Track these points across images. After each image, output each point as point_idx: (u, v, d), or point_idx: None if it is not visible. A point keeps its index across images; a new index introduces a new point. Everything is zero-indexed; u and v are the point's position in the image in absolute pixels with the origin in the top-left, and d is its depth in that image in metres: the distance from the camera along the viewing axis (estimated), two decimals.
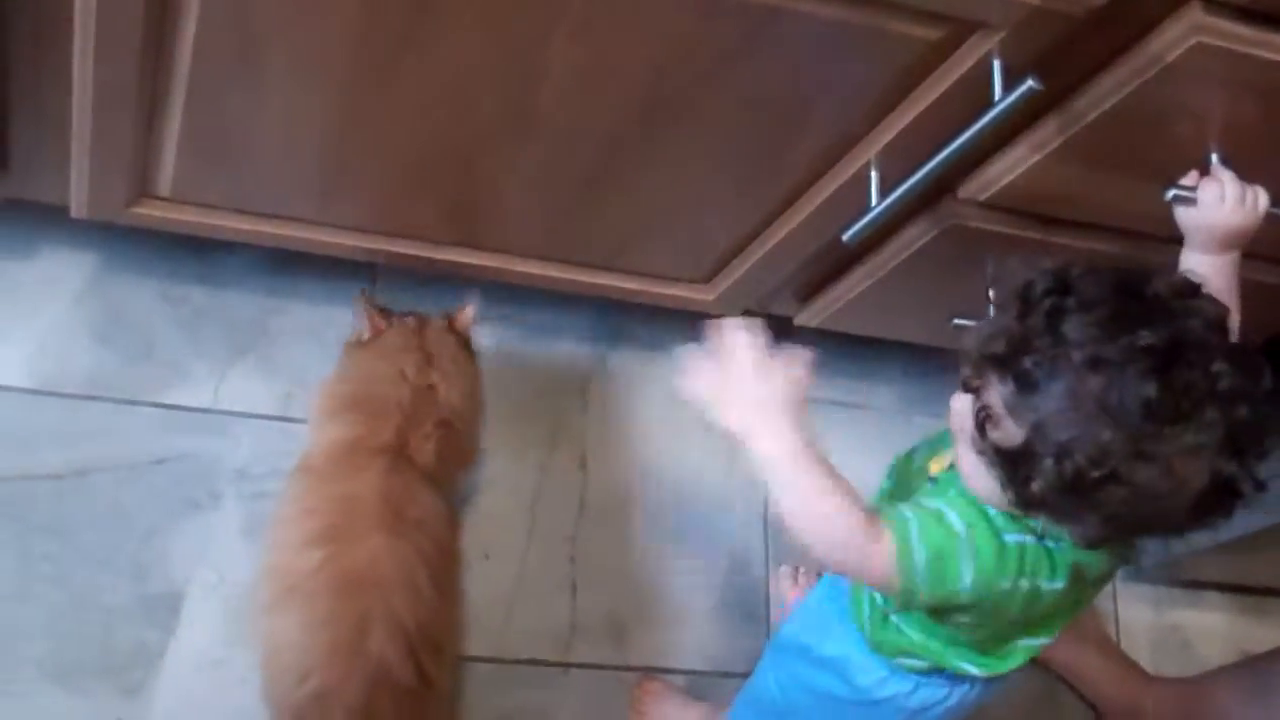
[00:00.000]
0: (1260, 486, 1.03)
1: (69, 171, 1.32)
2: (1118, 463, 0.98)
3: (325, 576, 1.28)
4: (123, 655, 1.49)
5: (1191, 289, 1.03)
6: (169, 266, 1.62)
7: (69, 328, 1.57)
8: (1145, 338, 0.98)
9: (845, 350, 1.82)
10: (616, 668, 1.67)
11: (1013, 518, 1.10)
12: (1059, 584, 1.12)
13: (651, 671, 1.68)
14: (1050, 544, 1.10)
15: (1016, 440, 1.02)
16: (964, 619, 1.18)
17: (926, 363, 1.86)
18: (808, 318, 1.64)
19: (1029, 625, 1.22)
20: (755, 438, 1.12)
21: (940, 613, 1.17)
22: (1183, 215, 1.18)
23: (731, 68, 1.14)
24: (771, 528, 1.78)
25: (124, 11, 1.05)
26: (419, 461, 1.37)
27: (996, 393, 1.03)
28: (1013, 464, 1.03)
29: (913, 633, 1.25)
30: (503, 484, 1.69)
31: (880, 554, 1.10)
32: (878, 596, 1.24)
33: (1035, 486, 1.01)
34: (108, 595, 1.50)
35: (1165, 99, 1.15)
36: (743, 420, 1.12)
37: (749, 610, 1.75)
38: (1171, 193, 1.18)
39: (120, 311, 1.60)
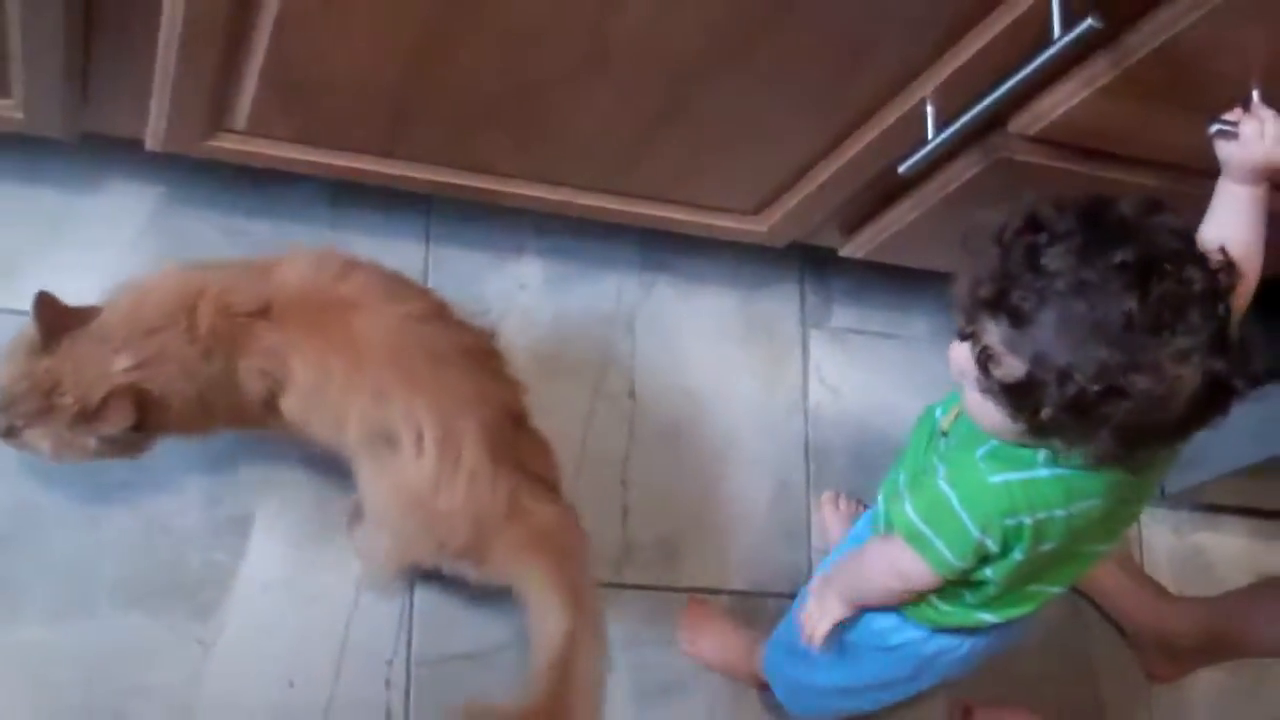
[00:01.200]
0: (1254, 380, 1.09)
1: (148, 105, 1.36)
2: (1115, 376, 1.05)
3: None
4: (195, 577, 1.55)
5: (1154, 205, 1.09)
6: (231, 200, 1.66)
7: (133, 260, 1.60)
8: (1118, 256, 1.05)
9: (883, 283, 1.90)
10: (667, 589, 1.74)
11: (1014, 454, 1.18)
12: (1060, 511, 1.19)
13: (699, 592, 1.75)
14: (1043, 472, 1.18)
15: (1019, 373, 1.08)
16: (989, 573, 1.27)
17: None
18: (853, 249, 1.69)
19: (1043, 572, 1.30)
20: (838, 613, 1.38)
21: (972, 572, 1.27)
22: (1222, 148, 1.23)
23: (798, 4, 1.18)
24: (812, 454, 1.84)
25: None
26: None
27: (993, 333, 1.09)
28: (1019, 396, 1.09)
29: (941, 604, 1.35)
30: (555, 412, 1.73)
31: (897, 545, 1.26)
32: None
33: (1044, 413, 1.08)
34: (179, 521, 1.56)
35: (1213, 37, 1.19)
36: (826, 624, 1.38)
37: (791, 533, 1.81)
38: (1215, 127, 1.22)
39: (183, 244, 1.63)
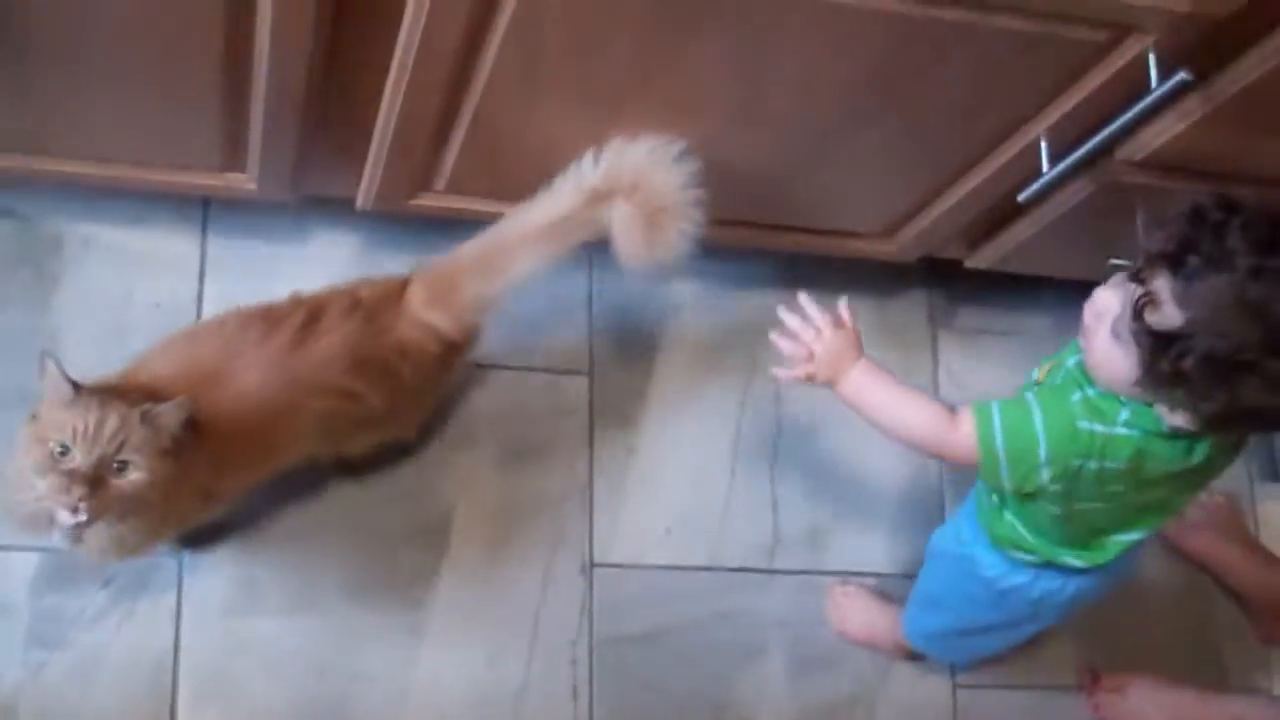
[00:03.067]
0: None
1: (361, 171, 1.53)
2: (1257, 354, 1.17)
3: None
4: (405, 573, 1.72)
5: None
6: (419, 243, 1.77)
7: None
8: None
9: (1003, 286, 1.99)
10: (815, 572, 1.88)
11: (1103, 407, 1.30)
12: (1120, 465, 1.31)
13: (845, 575, 1.88)
14: (1121, 431, 1.30)
15: (1174, 323, 1.19)
16: (1051, 508, 1.39)
17: (1078, 290, 1.99)
18: (976, 261, 1.82)
19: (1120, 521, 1.42)
20: (837, 384, 1.46)
21: (1028, 497, 1.39)
22: None
23: (930, 68, 1.34)
24: None
25: (438, 51, 1.27)
26: None
27: (1164, 282, 1.20)
28: (1166, 343, 1.19)
29: (1017, 524, 1.46)
30: (712, 415, 1.90)
31: (960, 433, 1.37)
32: (993, 496, 1.47)
33: (1186, 363, 1.18)
34: (387, 522, 1.73)
35: None
36: (826, 374, 1.47)
37: (928, 517, 1.93)
38: None
39: None
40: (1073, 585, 1.52)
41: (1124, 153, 1.49)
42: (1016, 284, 1.99)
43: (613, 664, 1.77)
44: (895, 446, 1.89)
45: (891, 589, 1.88)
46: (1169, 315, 1.20)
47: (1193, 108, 1.40)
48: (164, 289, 1.74)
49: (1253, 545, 2.05)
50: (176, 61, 1.33)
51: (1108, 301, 1.28)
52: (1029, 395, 1.36)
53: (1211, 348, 1.18)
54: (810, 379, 1.48)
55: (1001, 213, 1.69)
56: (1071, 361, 1.38)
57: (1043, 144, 1.45)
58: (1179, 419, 1.26)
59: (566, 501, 1.82)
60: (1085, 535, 1.45)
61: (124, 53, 1.31)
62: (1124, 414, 1.30)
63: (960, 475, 1.95)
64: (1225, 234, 1.18)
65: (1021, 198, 1.49)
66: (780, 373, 1.50)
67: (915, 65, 1.34)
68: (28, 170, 1.54)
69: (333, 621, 1.69)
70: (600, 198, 1.46)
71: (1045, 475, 1.34)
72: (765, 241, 1.74)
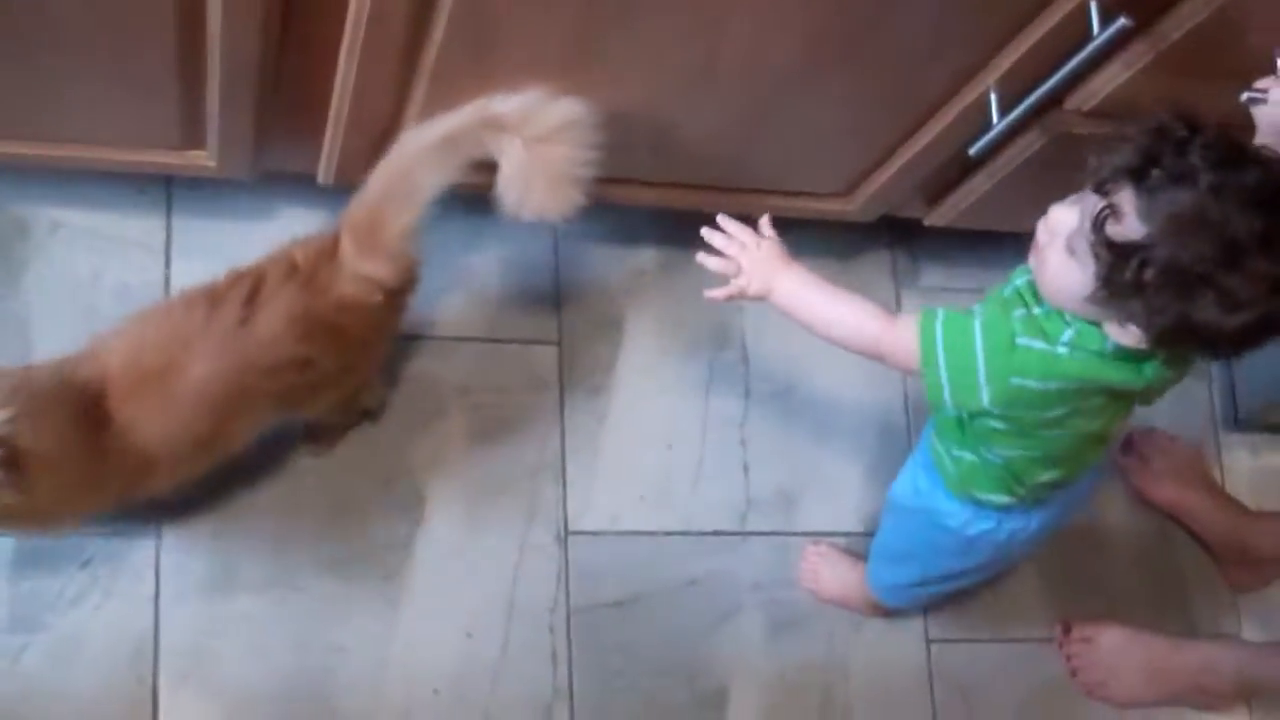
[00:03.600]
0: None
1: (320, 147, 1.55)
2: (1215, 269, 1.18)
3: None
4: (380, 545, 1.74)
5: None
6: None
7: None
8: (1257, 179, 1.19)
9: (966, 243, 2.01)
10: (787, 534, 1.90)
11: (1044, 326, 1.30)
12: (1062, 385, 1.32)
13: (817, 535, 1.90)
14: (1062, 350, 1.30)
15: (1136, 235, 1.20)
16: (996, 425, 1.39)
17: None
18: (936, 218, 1.84)
19: (1059, 450, 1.43)
20: (771, 293, 1.48)
21: (975, 420, 1.40)
22: (1257, 114, 1.36)
23: (879, 19, 1.36)
24: (910, 404, 2.00)
25: (387, 22, 1.28)
26: None
27: (1127, 195, 1.21)
28: (1125, 254, 1.20)
29: (966, 454, 1.48)
30: (678, 383, 1.92)
31: (900, 332, 1.39)
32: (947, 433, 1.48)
33: (1146, 274, 1.19)
34: (361, 495, 1.75)
35: (1237, 19, 1.35)
36: (758, 284, 1.49)
37: (896, 477, 1.96)
38: (1245, 95, 1.36)
39: None
40: (1036, 520, 1.54)
41: (1073, 103, 1.51)
42: (978, 241, 2.00)
43: (590, 631, 1.79)
44: (862, 409, 1.96)
45: (862, 548, 1.89)
46: (1131, 227, 1.21)
47: (1138, 55, 1.42)
48: (131, 271, 1.75)
49: (1218, 493, 2.08)
50: (130, 38, 1.34)
51: (1063, 217, 1.29)
52: (974, 308, 1.38)
53: (1173, 256, 1.19)
54: (743, 293, 1.50)
55: (957, 168, 1.71)
56: (1020, 280, 1.39)
57: (992, 96, 1.47)
58: (1129, 337, 1.27)
59: (539, 471, 1.84)
60: (1040, 467, 1.46)
61: (76, 30, 1.32)
62: (1068, 333, 1.31)
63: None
64: (1188, 150, 1.20)
65: (973, 151, 1.52)
66: (713, 293, 1.52)
67: (864, 17, 1.36)
68: None
69: (310, 596, 1.71)
70: (498, 126, 1.44)
71: (985, 396, 1.34)
72: (725, 205, 1.74)
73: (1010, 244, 2.01)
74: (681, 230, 1.91)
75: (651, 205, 1.76)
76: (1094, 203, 1.24)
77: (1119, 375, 1.32)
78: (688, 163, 1.59)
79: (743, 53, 1.41)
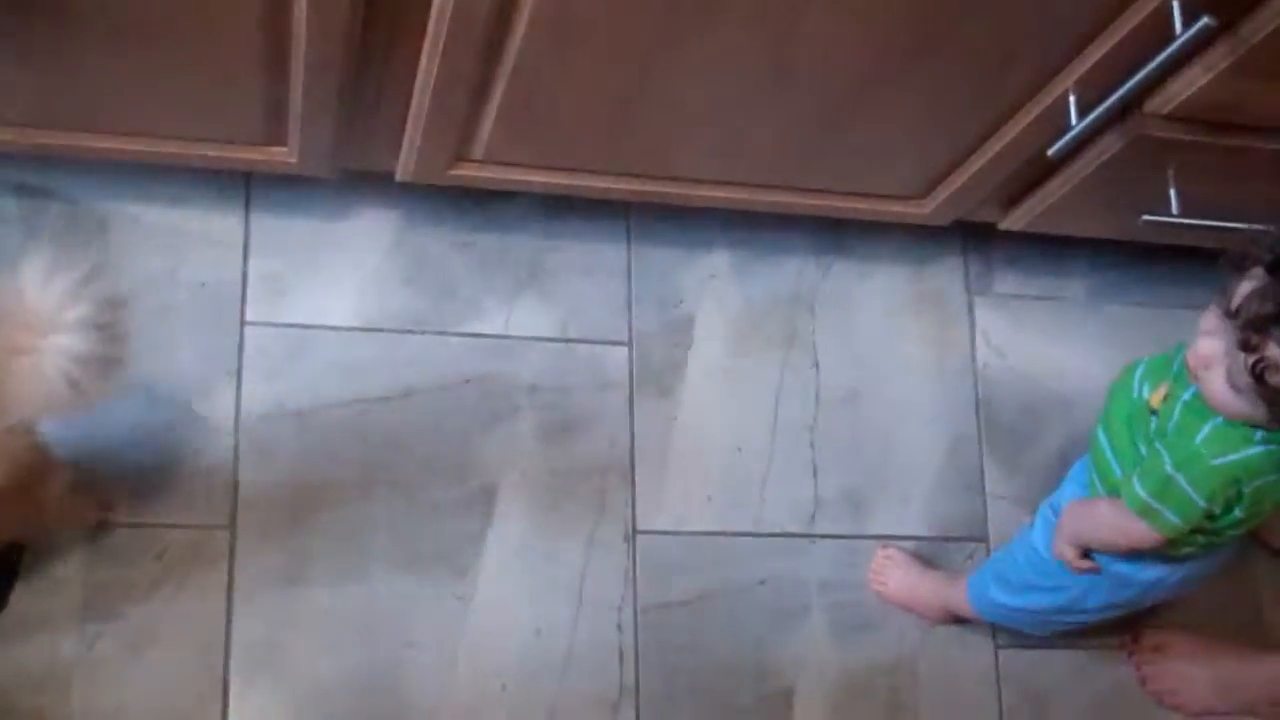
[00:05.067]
0: None
1: (400, 144, 1.56)
2: None
3: None
4: (451, 543, 1.75)
5: None
6: (458, 218, 1.85)
7: (383, 275, 1.81)
8: None
9: (1040, 251, 2.02)
10: (855, 537, 1.89)
11: (1231, 435, 1.36)
12: (1271, 477, 1.38)
13: (885, 539, 1.90)
14: (1258, 450, 1.35)
15: None
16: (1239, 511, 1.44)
17: (1113, 255, 2.06)
18: (1011, 223, 1.82)
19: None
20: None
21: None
22: None
23: (958, 21, 1.35)
24: (982, 410, 1.98)
25: (471, 14, 1.29)
26: None
27: (1276, 345, 1.24)
28: None
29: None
30: (751, 384, 1.92)
31: (1138, 529, 1.45)
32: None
33: None
34: (435, 493, 1.76)
35: None
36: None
37: (967, 483, 1.95)
38: None
39: (423, 259, 1.83)
40: (1181, 571, 1.57)
41: (1152, 105, 1.50)
42: (1052, 248, 2.01)
43: (657, 629, 1.79)
44: (932, 415, 1.96)
45: (930, 553, 1.90)
46: None
47: (1218, 58, 1.40)
48: (209, 268, 1.77)
49: None
50: (215, 33, 1.35)
51: (1212, 349, 1.32)
52: (1167, 466, 1.40)
53: None
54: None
55: (1034, 172, 1.70)
56: (1187, 395, 1.42)
57: (1071, 98, 1.46)
58: None
59: (609, 470, 1.84)
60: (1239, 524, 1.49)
61: (163, 24, 1.34)
62: (1259, 433, 1.35)
63: (999, 445, 1.98)
64: None
65: (1051, 152, 1.50)
66: None
67: (942, 19, 1.35)
68: (70, 147, 1.57)
69: (381, 591, 1.72)
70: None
71: (1216, 509, 1.41)
72: (797, 206, 1.76)
73: (1083, 253, 2.04)
74: (753, 232, 1.96)
75: (724, 206, 1.76)
76: (1236, 341, 1.27)
77: None
78: (760, 164, 1.59)
79: (816, 54, 1.41)
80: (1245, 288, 1.28)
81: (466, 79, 1.41)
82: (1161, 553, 1.51)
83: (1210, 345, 1.32)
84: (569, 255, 1.89)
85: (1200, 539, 1.49)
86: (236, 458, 1.72)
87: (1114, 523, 1.48)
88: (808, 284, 1.98)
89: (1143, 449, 1.47)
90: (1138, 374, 1.52)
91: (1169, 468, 1.40)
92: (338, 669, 1.68)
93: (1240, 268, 1.29)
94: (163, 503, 1.69)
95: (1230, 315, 1.28)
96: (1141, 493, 1.42)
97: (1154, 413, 1.47)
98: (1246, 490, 1.39)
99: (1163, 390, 1.46)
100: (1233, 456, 1.36)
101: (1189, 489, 1.39)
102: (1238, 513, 1.42)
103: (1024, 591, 1.69)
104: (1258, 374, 1.26)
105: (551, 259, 1.89)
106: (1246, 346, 1.26)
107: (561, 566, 1.79)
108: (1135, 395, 1.51)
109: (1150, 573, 1.58)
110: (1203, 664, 1.92)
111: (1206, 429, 1.38)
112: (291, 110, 1.49)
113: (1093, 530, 1.54)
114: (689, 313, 1.93)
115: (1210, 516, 1.42)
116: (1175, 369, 1.46)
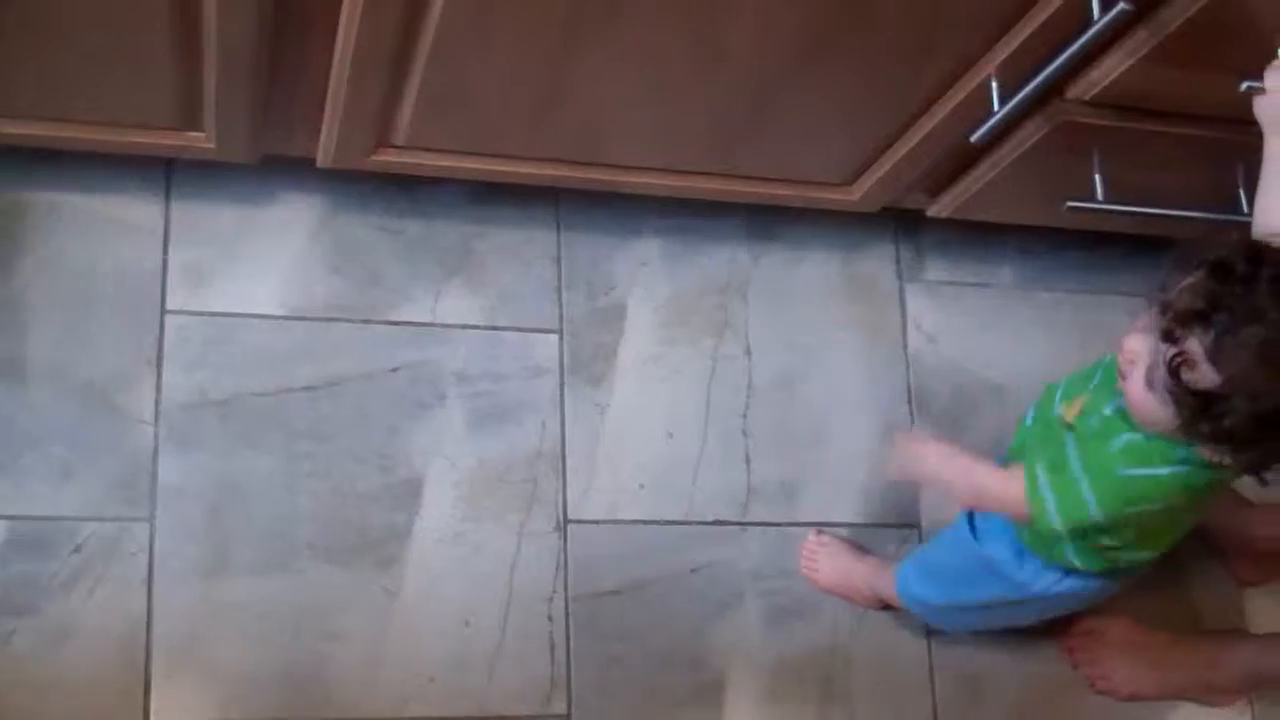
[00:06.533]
0: None
1: (319, 128, 1.54)
2: None
3: None
4: (378, 534, 1.72)
5: None
6: (384, 204, 1.83)
7: (307, 262, 1.79)
8: None
9: (970, 237, 2.02)
10: (788, 524, 1.88)
11: (1147, 450, 1.32)
12: (1177, 500, 1.36)
13: (818, 526, 1.89)
14: (1164, 471, 1.32)
15: (1212, 382, 1.20)
16: (1105, 539, 1.44)
17: (1043, 241, 2.06)
18: (938, 209, 1.82)
19: (1153, 537, 1.47)
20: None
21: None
22: (1257, 106, 1.35)
23: (881, 5, 1.35)
24: (914, 397, 1.98)
25: None
26: None
27: (1197, 342, 1.20)
28: (1205, 402, 1.21)
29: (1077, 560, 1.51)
30: (683, 371, 1.91)
31: (1014, 497, 1.42)
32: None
33: (1227, 421, 1.20)
34: (361, 485, 1.73)
35: (1237, 7, 1.34)
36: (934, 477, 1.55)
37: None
38: (1244, 85, 1.35)
39: (348, 245, 1.81)
40: (1096, 583, 1.56)
41: (1075, 91, 1.50)
42: (983, 234, 2.01)
43: (589, 619, 1.78)
44: (864, 402, 1.96)
45: (864, 540, 1.90)
46: (1205, 374, 1.21)
47: (1138, 44, 1.40)
48: (129, 256, 1.74)
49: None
50: (124, 14, 1.33)
51: (1136, 347, 1.29)
52: (1073, 460, 1.38)
53: (1255, 409, 1.19)
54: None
55: (959, 158, 1.70)
56: (1109, 409, 1.39)
57: (993, 83, 1.46)
58: (1221, 457, 1.29)
59: (539, 459, 1.83)
60: (1142, 552, 1.50)
61: (71, 5, 1.31)
62: (1180, 452, 1.32)
63: (932, 431, 1.97)
64: (1254, 288, 1.19)
65: (974, 138, 1.50)
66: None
67: (863, 3, 1.35)
68: None
69: (306, 583, 1.70)
70: None
71: (1103, 524, 1.40)
72: (727, 192, 1.75)
73: (1014, 239, 2.04)
74: (685, 219, 1.95)
75: (654, 193, 1.75)
76: (1160, 333, 1.24)
77: (1227, 474, 1.34)
78: (689, 150, 1.58)
79: (742, 37, 1.40)
80: (1181, 283, 1.25)
81: (383, 62, 1.39)
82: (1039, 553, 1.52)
83: (1138, 341, 1.29)
84: (498, 241, 1.87)
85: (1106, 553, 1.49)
86: (156, 449, 1.69)
87: (994, 480, 1.46)
88: (740, 271, 1.97)
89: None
90: (1059, 393, 1.51)
91: (1076, 469, 1.38)
92: (262, 662, 1.66)
93: (1184, 267, 1.26)
94: (81, 495, 1.66)
95: (1162, 311, 1.25)
96: (1041, 475, 1.40)
97: (1069, 427, 1.45)
98: (1145, 510, 1.37)
99: (1078, 404, 1.45)
100: (1141, 471, 1.33)
101: (1089, 495, 1.36)
102: (1129, 533, 1.42)
103: (939, 585, 1.70)
104: (1174, 369, 1.23)
105: (480, 245, 1.87)
106: (1169, 338, 1.23)
107: (491, 557, 1.77)
108: (1054, 414, 1.50)
109: (1064, 584, 1.57)
110: (1134, 647, 1.93)
111: (1124, 439, 1.35)
112: (207, 94, 1.46)
113: (967, 480, 1.50)
114: (620, 300, 1.91)
115: (1085, 530, 1.42)
116: (1094, 384, 1.45)
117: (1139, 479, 1.33)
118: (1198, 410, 1.22)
